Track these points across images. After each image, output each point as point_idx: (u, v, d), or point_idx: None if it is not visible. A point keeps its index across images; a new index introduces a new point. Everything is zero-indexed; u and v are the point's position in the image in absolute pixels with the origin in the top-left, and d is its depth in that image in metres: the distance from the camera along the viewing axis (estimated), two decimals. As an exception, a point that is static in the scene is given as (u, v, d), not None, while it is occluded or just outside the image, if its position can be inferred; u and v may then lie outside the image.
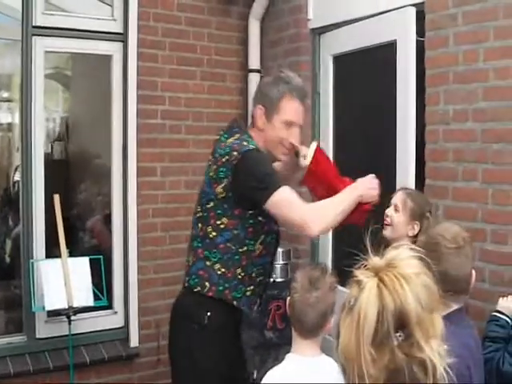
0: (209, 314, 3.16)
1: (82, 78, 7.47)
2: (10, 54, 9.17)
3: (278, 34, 5.28)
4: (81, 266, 4.42)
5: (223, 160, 3.12)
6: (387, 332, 1.38)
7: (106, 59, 5.06)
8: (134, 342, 5.04)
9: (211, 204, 3.23)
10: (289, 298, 2.76)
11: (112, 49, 4.98)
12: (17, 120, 10.20)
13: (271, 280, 4.64)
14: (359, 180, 3.19)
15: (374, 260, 1.47)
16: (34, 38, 4.70)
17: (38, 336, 4.74)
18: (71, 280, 4.31)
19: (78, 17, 4.94)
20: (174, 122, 5.17)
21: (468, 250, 2.51)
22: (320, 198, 3.19)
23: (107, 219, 5.36)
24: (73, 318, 4.30)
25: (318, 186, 3.34)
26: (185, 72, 5.21)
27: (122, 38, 4.99)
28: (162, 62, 5.08)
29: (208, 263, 3.21)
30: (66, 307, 4.28)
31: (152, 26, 5.06)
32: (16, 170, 9.08)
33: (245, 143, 3.12)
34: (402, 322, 1.40)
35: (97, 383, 4.88)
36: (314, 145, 3.30)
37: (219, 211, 3.19)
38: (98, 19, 4.97)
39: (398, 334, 1.40)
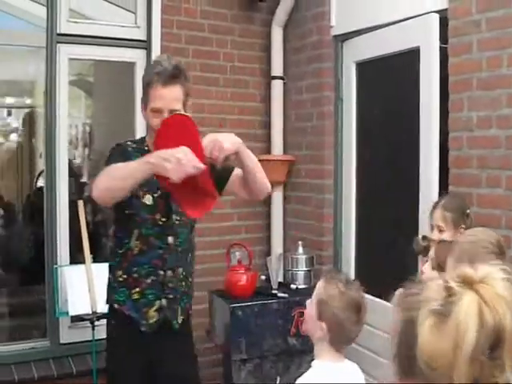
0: (108, 315, 3.34)
1: (104, 85, 7.52)
2: (34, 61, 9.24)
3: (301, 40, 5.28)
4: (104, 272, 4.43)
5: None
6: (482, 349, 1.36)
7: (129, 66, 5.09)
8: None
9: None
10: (327, 314, 2.68)
11: (135, 56, 5.01)
12: (40, 126, 10.30)
13: (282, 283, 4.70)
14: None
15: (467, 270, 1.44)
16: (58, 45, 4.75)
17: (61, 341, 4.78)
18: (95, 286, 4.33)
19: (102, 24, 4.99)
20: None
21: None
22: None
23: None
24: (96, 323, 4.31)
25: None
26: (208, 79, 5.23)
27: (145, 45, 5.02)
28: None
29: (111, 272, 3.33)
30: (90, 313, 4.31)
31: (175, 34, 5.09)
32: (39, 175, 9.15)
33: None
34: (495, 342, 1.38)
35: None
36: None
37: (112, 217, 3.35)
38: (122, 27, 5.02)
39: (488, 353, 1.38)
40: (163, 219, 3.19)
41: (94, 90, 8.13)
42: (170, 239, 3.22)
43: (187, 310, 3.39)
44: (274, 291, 4.61)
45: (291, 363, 4.56)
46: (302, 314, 4.43)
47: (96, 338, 4.29)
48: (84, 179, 7.21)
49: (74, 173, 5.92)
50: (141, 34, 5.03)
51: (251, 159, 3.27)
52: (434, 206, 3.39)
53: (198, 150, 2.82)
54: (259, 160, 5.15)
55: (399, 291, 1.51)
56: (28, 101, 10.34)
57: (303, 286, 4.82)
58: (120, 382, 3.27)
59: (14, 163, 10.04)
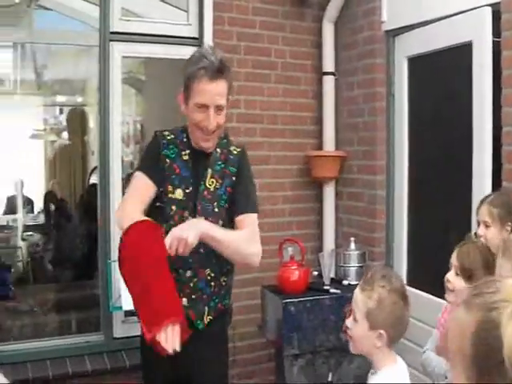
0: None
1: (155, 82, 7.58)
2: (85, 60, 9.35)
3: (353, 36, 5.26)
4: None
5: None
6: None
7: (180, 63, 5.12)
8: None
9: None
10: (381, 319, 2.65)
11: (188, 53, 5.01)
12: (91, 124, 10.42)
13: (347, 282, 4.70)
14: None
15: None
16: (111, 43, 4.79)
17: (115, 335, 4.84)
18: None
19: (154, 22, 5.02)
20: (250, 125, 5.22)
21: None
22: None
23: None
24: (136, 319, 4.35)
25: None
26: (260, 75, 5.25)
27: (197, 42, 5.04)
28: (237, 65, 5.12)
29: None
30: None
31: (227, 31, 5.11)
32: (92, 172, 9.26)
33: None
34: None
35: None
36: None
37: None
38: (174, 24, 5.05)
39: None
40: (190, 217, 3.06)
41: (145, 88, 8.18)
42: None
43: (219, 310, 3.25)
44: (326, 287, 4.62)
45: (343, 359, 4.56)
46: (354, 311, 4.44)
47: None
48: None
49: (125, 170, 5.97)
50: (193, 32, 5.06)
51: (217, 240, 2.92)
52: (481, 202, 3.35)
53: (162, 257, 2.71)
54: (310, 156, 5.21)
55: None
56: (79, 99, 10.47)
57: (355, 282, 4.79)
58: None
59: (67, 161, 10.17)
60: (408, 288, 4.52)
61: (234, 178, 3.19)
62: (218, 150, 3.19)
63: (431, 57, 4.57)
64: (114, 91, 4.79)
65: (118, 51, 4.83)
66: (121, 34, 4.84)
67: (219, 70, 2.96)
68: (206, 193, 3.11)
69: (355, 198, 5.23)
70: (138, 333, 4.11)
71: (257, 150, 5.21)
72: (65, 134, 10.38)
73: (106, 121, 4.77)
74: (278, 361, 4.68)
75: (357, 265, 4.89)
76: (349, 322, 2.64)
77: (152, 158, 3.13)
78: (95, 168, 8.95)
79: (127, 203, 3.06)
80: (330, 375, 4.46)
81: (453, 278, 3.00)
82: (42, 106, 10.11)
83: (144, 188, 3.07)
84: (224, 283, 3.26)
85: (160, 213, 3.08)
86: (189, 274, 3.11)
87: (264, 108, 5.27)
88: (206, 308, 3.17)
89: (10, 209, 9.64)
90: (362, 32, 5.15)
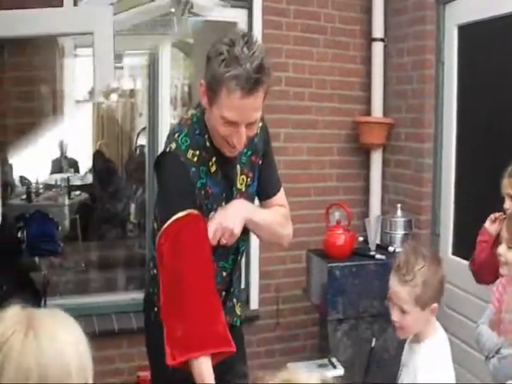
0: (153, 314, 2.81)
1: (202, 46, 7.57)
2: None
3: (403, 2, 5.19)
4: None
5: None
6: None
7: (228, 26, 5.13)
8: (254, 304, 5.16)
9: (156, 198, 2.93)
10: (432, 293, 2.64)
11: (237, 16, 5.04)
12: (138, 86, 10.46)
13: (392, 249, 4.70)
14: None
15: None
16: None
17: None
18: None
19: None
20: (298, 89, 5.20)
21: None
22: None
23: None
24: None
25: None
26: (309, 39, 5.22)
27: (246, 4, 5.05)
28: (286, 28, 5.11)
29: (151, 264, 2.93)
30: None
31: (277, -7, 5.08)
32: (139, 134, 9.34)
33: (176, 136, 2.58)
34: None
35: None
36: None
37: (156, 210, 2.81)
38: (224, -14, 5.04)
39: None
40: None
41: (193, 51, 8.17)
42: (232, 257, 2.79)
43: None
44: (371, 253, 4.62)
45: (387, 325, 4.55)
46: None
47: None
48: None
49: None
50: (243, -6, 5.05)
51: (258, 225, 2.71)
52: (505, 175, 3.32)
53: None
54: (358, 122, 5.20)
55: None
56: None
57: (401, 249, 4.80)
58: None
59: (114, 122, 10.26)
60: (454, 258, 4.57)
61: (260, 162, 2.79)
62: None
63: (482, 25, 4.50)
64: (163, 55, 4.82)
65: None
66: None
67: (256, 82, 2.33)
68: (238, 196, 2.70)
69: (402, 166, 5.20)
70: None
71: (305, 113, 5.23)
72: (113, 96, 10.44)
73: (156, 83, 4.82)
74: (322, 325, 4.71)
75: (403, 232, 4.87)
76: (395, 316, 2.66)
77: (185, 197, 2.50)
78: (143, 129, 9.04)
79: None
80: (374, 341, 4.47)
81: (504, 251, 2.94)
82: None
83: None
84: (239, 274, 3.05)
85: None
86: (226, 276, 2.80)
87: (312, 72, 5.24)
88: (239, 306, 2.95)
89: (57, 169, 9.76)
90: (412, -3, 5.09)
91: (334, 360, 4.30)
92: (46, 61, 4.66)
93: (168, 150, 2.53)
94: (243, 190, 2.71)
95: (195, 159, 2.53)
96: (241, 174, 2.70)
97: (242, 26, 5.03)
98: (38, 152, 8.79)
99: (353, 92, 5.40)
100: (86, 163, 10.08)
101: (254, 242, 5.01)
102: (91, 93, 4.33)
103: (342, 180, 5.39)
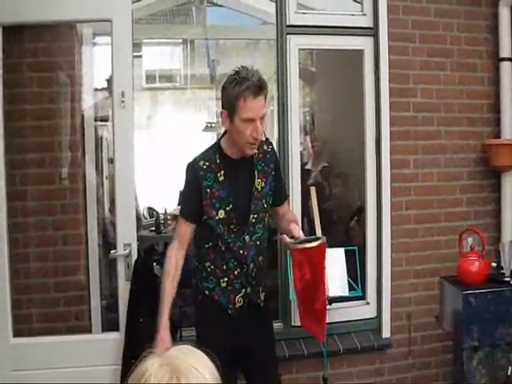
0: (200, 297, 3.77)
1: (324, 73, 7.63)
2: (252, 54, 9.53)
3: (530, 19, 5.09)
4: (336, 257, 4.53)
5: None
6: None
7: (353, 53, 5.15)
8: (386, 332, 5.09)
9: None
10: None
11: (363, 44, 5.05)
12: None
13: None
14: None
15: None
16: (288, 36, 4.89)
17: (293, 324, 4.95)
18: (327, 270, 4.42)
19: (329, 14, 5.06)
20: (426, 114, 5.15)
21: None
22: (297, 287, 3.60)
23: (360, 211, 5.48)
24: (328, 307, 4.39)
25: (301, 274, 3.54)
26: (435, 63, 5.16)
27: (372, 32, 5.04)
28: (412, 54, 5.08)
29: (194, 258, 3.86)
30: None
31: (402, 19, 5.06)
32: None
33: (196, 155, 3.66)
34: None
35: (348, 372, 5.02)
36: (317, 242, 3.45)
37: None
38: (349, 15, 5.06)
39: None
40: (238, 227, 3.61)
41: (315, 79, 8.24)
42: (247, 238, 3.65)
43: (264, 286, 3.86)
44: (506, 279, 4.51)
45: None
46: (535, 303, 4.33)
47: (327, 321, 4.38)
48: (308, 166, 7.35)
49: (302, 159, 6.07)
50: (368, 22, 5.05)
51: None
52: None
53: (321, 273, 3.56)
54: (488, 145, 5.12)
55: None
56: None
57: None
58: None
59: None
60: None
61: (273, 173, 3.75)
62: (256, 151, 3.62)
63: None
64: (292, 83, 4.88)
65: (295, 44, 4.91)
66: (297, 27, 4.92)
67: (260, 88, 3.39)
68: (256, 193, 3.64)
69: (534, 187, 5.07)
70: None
71: (434, 139, 5.17)
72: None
73: (285, 113, 4.86)
74: (456, 353, 4.61)
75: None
76: None
77: (191, 197, 3.64)
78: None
79: (174, 249, 3.64)
80: (510, 369, 4.36)
81: None
82: (214, 99, 10.38)
83: (186, 234, 3.65)
84: (264, 261, 3.87)
85: (208, 226, 3.61)
86: (251, 266, 3.71)
87: (440, 96, 5.18)
88: (260, 288, 3.81)
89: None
90: (539, 14, 4.97)
91: (469, 389, 4.21)
92: (65, 47, 4.71)
93: (188, 163, 3.64)
94: (259, 189, 3.65)
95: (204, 167, 3.57)
96: (257, 178, 3.65)
97: (368, 53, 5.05)
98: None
99: (481, 114, 5.29)
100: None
101: (386, 271, 5.01)
102: (109, 81, 4.39)
103: (472, 204, 5.28)
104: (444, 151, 5.19)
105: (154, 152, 9.21)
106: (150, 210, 9.31)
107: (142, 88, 10.42)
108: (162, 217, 8.23)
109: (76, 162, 4.74)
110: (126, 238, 4.28)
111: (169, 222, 8.23)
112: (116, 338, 4.27)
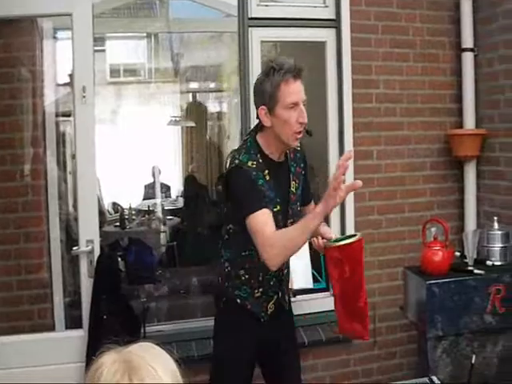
0: (224, 299, 3.60)
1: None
2: (216, 47, 9.50)
3: (491, 10, 5.09)
4: (301, 250, 4.52)
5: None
6: None
7: (316, 45, 5.15)
8: (351, 324, 5.09)
9: (225, 208, 3.57)
10: None
11: (326, 35, 5.05)
12: (225, 109, 10.58)
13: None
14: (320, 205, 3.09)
15: None
16: (250, 29, 4.86)
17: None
18: (291, 263, 4.42)
19: (291, 6, 5.03)
20: (389, 105, 5.17)
21: None
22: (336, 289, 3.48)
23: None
24: (292, 299, 4.39)
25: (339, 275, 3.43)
26: (398, 54, 5.18)
27: (335, 24, 5.03)
28: (375, 45, 5.09)
29: (222, 260, 3.62)
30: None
31: (364, 11, 5.06)
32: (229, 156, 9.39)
33: (236, 156, 3.38)
34: None
35: (314, 364, 5.03)
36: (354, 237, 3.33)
37: (228, 215, 3.54)
38: (311, 7, 5.04)
39: None
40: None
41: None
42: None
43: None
44: (469, 268, 4.53)
45: (487, 341, 4.47)
46: (498, 291, 4.36)
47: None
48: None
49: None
50: (330, 13, 5.04)
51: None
52: None
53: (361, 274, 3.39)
54: (450, 135, 5.14)
55: None
56: (213, 85, 10.65)
57: (499, 263, 4.69)
58: (231, 370, 3.58)
59: (203, 146, 10.38)
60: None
61: (303, 172, 3.67)
62: (287, 151, 3.54)
63: None
64: (254, 76, 4.82)
65: (257, 36, 4.88)
66: (259, 20, 4.90)
67: (299, 70, 3.29)
68: (292, 197, 3.54)
69: (497, 177, 5.09)
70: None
71: (397, 129, 5.19)
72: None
73: (247, 105, 4.84)
74: (421, 342, 4.63)
75: (500, 245, 4.76)
76: None
77: (257, 193, 3.31)
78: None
79: (269, 235, 3.18)
80: (474, 357, 4.38)
81: None
82: (178, 92, 10.35)
83: (271, 218, 3.24)
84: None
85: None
86: (285, 271, 3.69)
87: (403, 87, 5.20)
88: (286, 290, 3.73)
89: (149, 195, 9.91)
90: (501, 5, 4.98)
91: (434, 379, 4.23)
92: (25, 42, 4.66)
93: (234, 165, 3.32)
94: (295, 192, 3.54)
95: (254, 167, 3.34)
96: (292, 180, 3.53)
97: (331, 44, 5.05)
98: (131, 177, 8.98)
99: (444, 105, 5.32)
100: (177, 187, 10.24)
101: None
102: (71, 76, 4.35)
103: (436, 194, 5.31)
104: (407, 142, 5.21)
105: (119, 146, 9.16)
106: (115, 205, 9.27)
107: (107, 82, 10.34)
108: (126, 212, 8.19)
109: (38, 159, 4.66)
110: (89, 234, 4.26)
111: (133, 217, 8.22)
112: (80, 336, 4.24)
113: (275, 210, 3.37)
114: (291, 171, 3.54)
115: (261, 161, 3.37)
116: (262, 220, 3.17)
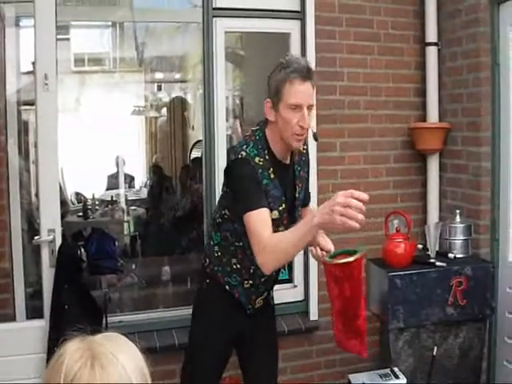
0: (207, 281, 3.59)
1: (253, 57, 7.59)
2: (182, 37, 9.45)
3: (456, 5, 5.13)
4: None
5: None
6: None
7: (280, 37, 5.15)
8: (314, 315, 5.12)
9: (223, 192, 3.52)
10: None
11: (290, 27, 5.04)
12: (190, 99, 10.54)
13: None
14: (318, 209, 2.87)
15: None
16: (214, 19, 4.84)
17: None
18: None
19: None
20: (353, 98, 5.18)
21: None
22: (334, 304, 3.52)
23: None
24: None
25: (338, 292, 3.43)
26: (362, 47, 5.19)
27: (299, 15, 5.03)
28: (339, 38, 5.10)
29: (211, 242, 3.59)
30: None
31: (329, 3, 5.06)
32: (193, 146, 9.38)
33: (244, 147, 3.29)
34: None
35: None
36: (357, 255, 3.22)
37: (225, 202, 3.48)
38: (276, -2, 5.04)
39: None
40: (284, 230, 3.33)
41: (244, 62, 8.20)
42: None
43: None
44: (431, 260, 4.57)
45: (449, 333, 4.53)
46: (460, 284, 4.41)
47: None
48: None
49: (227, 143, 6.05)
50: (295, 5, 5.04)
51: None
52: None
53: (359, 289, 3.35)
54: (414, 128, 5.17)
55: None
56: (178, 75, 10.61)
57: (461, 256, 4.75)
58: (208, 352, 3.59)
59: (167, 136, 10.35)
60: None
61: (306, 176, 3.65)
62: (293, 153, 3.48)
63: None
64: (218, 66, 4.83)
65: (222, 27, 4.86)
66: (223, 10, 4.87)
67: (309, 72, 3.19)
68: (297, 202, 3.52)
69: (460, 170, 5.14)
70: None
71: (360, 122, 5.21)
72: (164, 110, 10.55)
73: (211, 96, 4.82)
74: (383, 334, 4.67)
75: (462, 237, 4.82)
76: None
77: (259, 191, 3.20)
78: (197, 142, 9.09)
79: (266, 237, 3.04)
80: (435, 349, 4.43)
81: None
82: (142, 82, 10.30)
83: (269, 219, 3.13)
84: None
85: None
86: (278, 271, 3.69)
87: (367, 80, 5.22)
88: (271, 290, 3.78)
89: (113, 185, 9.87)
90: (465, 1, 5.02)
91: (396, 370, 4.27)
92: None
93: (240, 156, 3.24)
94: (297, 195, 3.49)
95: (260, 164, 3.25)
96: (296, 185, 3.48)
97: (295, 36, 5.04)
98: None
99: (408, 98, 5.36)
100: (140, 178, 10.20)
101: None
102: (34, 64, 4.31)
103: (399, 187, 5.35)
104: (371, 134, 5.24)
105: (83, 136, 9.09)
106: (78, 195, 9.21)
107: (71, 71, 10.25)
108: (89, 202, 8.14)
109: (-1, 147, 4.63)
110: (50, 223, 4.20)
111: (96, 207, 8.16)
112: (41, 326, 4.19)
113: (280, 208, 3.34)
114: (296, 175, 3.49)
115: (267, 157, 3.31)
116: (260, 221, 3.08)
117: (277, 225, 3.28)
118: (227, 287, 3.52)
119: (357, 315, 3.38)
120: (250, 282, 3.51)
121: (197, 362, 3.61)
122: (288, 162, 3.44)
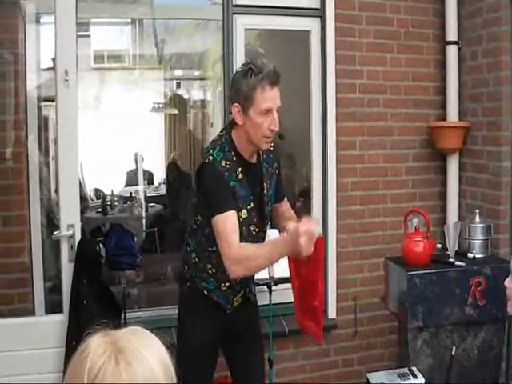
0: (188, 284, 3.63)
1: (272, 54, 7.60)
2: (202, 35, 9.45)
3: (476, 3, 5.10)
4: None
5: None
6: None
7: (300, 34, 5.15)
8: (332, 313, 5.12)
9: (195, 199, 3.55)
10: None
11: (310, 24, 5.04)
12: (209, 97, 10.55)
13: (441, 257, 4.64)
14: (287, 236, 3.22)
15: None
16: (234, 16, 4.85)
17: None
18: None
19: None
20: (372, 96, 5.17)
21: None
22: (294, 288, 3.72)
23: (306, 193, 5.48)
24: (273, 288, 4.41)
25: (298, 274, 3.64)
26: (382, 45, 5.17)
27: (319, 13, 5.03)
28: (359, 36, 5.08)
29: (188, 249, 3.63)
30: (268, 277, 4.40)
31: (349, 1, 5.06)
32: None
33: (211, 151, 3.36)
34: None
35: (294, 353, 5.06)
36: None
37: (198, 207, 3.51)
38: (296, -4, 5.04)
39: None
40: (257, 229, 3.53)
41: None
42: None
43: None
44: (451, 259, 4.55)
45: (467, 333, 4.49)
46: (479, 284, 4.38)
47: (273, 302, 4.39)
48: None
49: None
50: (315, 2, 5.04)
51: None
52: None
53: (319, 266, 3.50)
54: (433, 127, 5.15)
55: None
56: (197, 73, 10.63)
57: (480, 255, 4.71)
58: (194, 353, 3.62)
59: (186, 133, 10.35)
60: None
61: (276, 172, 3.69)
62: (260, 151, 3.54)
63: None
64: (237, 64, 4.82)
65: (241, 24, 4.87)
66: (243, 7, 4.88)
67: (277, 76, 3.28)
68: (266, 199, 3.56)
69: (479, 170, 5.11)
70: (263, 302, 4.21)
71: (380, 120, 5.19)
72: (184, 108, 10.56)
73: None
74: (401, 333, 4.65)
75: (481, 237, 4.78)
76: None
77: (226, 194, 3.30)
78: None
79: (236, 247, 3.23)
80: (454, 349, 4.41)
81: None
82: (162, 79, 10.32)
83: (236, 224, 3.28)
84: None
85: None
86: None
87: (387, 78, 5.20)
88: (253, 286, 3.85)
89: (132, 181, 9.90)
90: (485, -1, 5.01)
91: (414, 369, 4.24)
92: (8, 25, 4.63)
93: (207, 161, 3.33)
94: (266, 193, 3.55)
95: (227, 167, 3.33)
96: (264, 182, 3.54)
97: (315, 34, 5.03)
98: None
99: (427, 97, 5.33)
100: (159, 174, 10.22)
101: (332, 252, 5.02)
102: (54, 60, 4.33)
103: (418, 186, 5.33)
104: (390, 133, 5.22)
105: (102, 132, 9.14)
106: (97, 191, 9.25)
107: (91, 68, 10.29)
108: (108, 198, 8.17)
109: (20, 142, 4.64)
110: (70, 218, 4.24)
111: (115, 203, 8.19)
112: (60, 320, 4.23)
113: (249, 207, 3.43)
114: (263, 172, 3.55)
115: (235, 159, 3.38)
116: (227, 224, 3.22)
117: (248, 223, 3.44)
118: (205, 292, 3.58)
119: (314, 296, 3.50)
120: (227, 284, 3.55)
121: (185, 364, 3.62)
122: (255, 160, 3.52)
